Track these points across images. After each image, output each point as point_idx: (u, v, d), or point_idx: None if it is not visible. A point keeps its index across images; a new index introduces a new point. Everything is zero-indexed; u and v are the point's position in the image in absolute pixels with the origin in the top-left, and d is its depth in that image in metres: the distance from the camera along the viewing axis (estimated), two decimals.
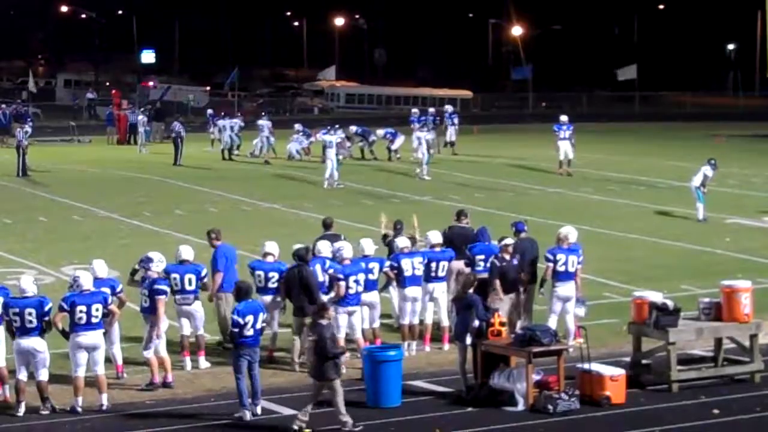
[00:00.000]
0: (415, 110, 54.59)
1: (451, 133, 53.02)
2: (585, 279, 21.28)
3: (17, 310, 16.63)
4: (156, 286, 18.05)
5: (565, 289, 19.78)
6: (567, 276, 19.78)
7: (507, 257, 19.74)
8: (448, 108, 55.93)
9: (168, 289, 18.38)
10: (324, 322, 16.11)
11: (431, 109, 55.45)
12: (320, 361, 15.93)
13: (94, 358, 16.85)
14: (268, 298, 19.04)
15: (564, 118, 44.24)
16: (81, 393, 16.75)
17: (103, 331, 17.00)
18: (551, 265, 19.69)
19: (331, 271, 19.11)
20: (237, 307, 16.61)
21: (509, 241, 20.05)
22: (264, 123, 51.20)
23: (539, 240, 21.13)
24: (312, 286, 18.73)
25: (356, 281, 18.91)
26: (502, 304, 19.29)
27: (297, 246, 19.24)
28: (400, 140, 49.68)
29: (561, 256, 19.75)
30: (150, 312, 18.05)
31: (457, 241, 20.96)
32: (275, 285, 19.19)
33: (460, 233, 21.38)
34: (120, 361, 18.34)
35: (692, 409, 16.53)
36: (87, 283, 17.07)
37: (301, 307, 18.77)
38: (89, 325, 16.76)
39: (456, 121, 53.75)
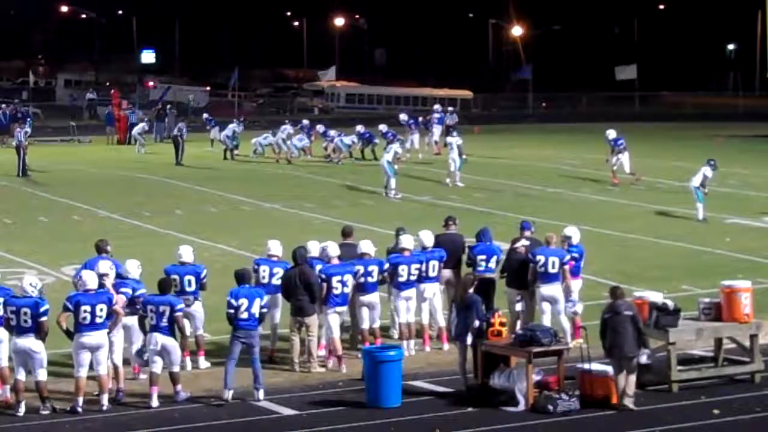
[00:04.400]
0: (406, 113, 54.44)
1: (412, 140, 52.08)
2: (585, 279, 21.26)
3: (14, 308, 16.66)
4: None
5: (549, 290, 19.69)
6: (549, 277, 19.69)
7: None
8: (403, 117, 54.93)
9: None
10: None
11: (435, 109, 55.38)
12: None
13: (96, 358, 16.81)
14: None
15: (613, 133, 41.41)
16: (82, 393, 16.73)
17: (107, 331, 16.93)
18: (532, 265, 19.76)
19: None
20: (232, 290, 17.26)
21: (525, 242, 20.21)
22: (286, 127, 50.94)
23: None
24: (314, 284, 18.71)
25: (342, 282, 18.84)
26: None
27: (296, 246, 19.25)
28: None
29: (540, 258, 19.73)
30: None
31: (446, 248, 20.51)
32: (279, 281, 19.15)
33: (448, 240, 20.98)
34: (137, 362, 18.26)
35: (692, 409, 16.52)
36: (91, 282, 17.09)
37: (300, 307, 18.73)
38: (93, 325, 16.72)
39: (413, 127, 53.06)
